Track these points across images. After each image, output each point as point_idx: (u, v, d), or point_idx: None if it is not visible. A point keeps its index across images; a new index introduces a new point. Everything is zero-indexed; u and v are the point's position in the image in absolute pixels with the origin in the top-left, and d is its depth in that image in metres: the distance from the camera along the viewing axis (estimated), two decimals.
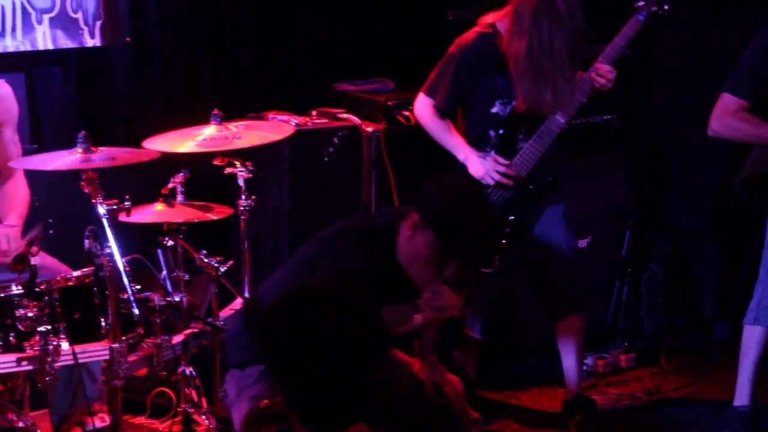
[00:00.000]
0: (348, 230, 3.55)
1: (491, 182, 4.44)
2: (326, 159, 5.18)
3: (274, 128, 4.79)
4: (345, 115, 5.27)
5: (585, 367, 5.03)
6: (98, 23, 5.07)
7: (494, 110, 4.48)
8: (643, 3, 4.49)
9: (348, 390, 2.14)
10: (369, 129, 5.19)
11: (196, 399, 4.39)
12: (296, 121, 5.11)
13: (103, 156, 4.02)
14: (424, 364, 3.61)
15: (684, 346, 5.44)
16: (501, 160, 4.44)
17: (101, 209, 3.88)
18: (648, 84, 5.64)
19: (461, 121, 4.59)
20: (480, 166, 4.45)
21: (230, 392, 3.50)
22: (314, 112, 5.29)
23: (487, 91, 4.45)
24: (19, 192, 4.43)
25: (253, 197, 4.56)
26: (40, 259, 3.85)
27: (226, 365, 3.72)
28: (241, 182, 4.52)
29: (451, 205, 3.44)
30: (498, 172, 4.44)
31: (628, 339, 5.39)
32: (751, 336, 4.38)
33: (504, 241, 4.48)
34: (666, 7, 4.51)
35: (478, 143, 4.52)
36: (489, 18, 4.47)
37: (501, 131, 4.47)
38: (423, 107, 4.58)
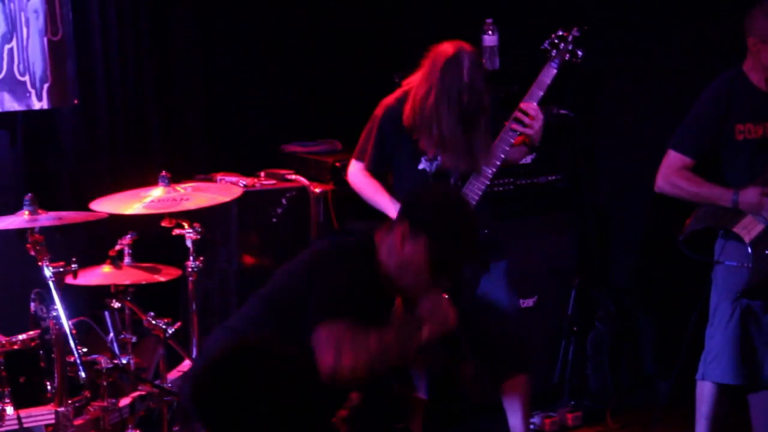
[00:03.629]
0: (323, 260, 3.48)
1: None
2: (274, 220, 5.18)
3: (223, 190, 4.80)
4: (293, 176, 5.28)
5: (532, 426, 5.05)
6: (45, 86, 5.06)
7: (421, 167, 4.49)
8: (555, 52, 4.50)
9: None
10: (317, 190, 5.21)
11: None
12: (244, 182, 5.12)
13: (50, 217, 4.03)
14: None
15: (630, 404, 5.47)
16: None
17: (47, 272, 3.89)
18: (591, 144, 5.72)
19: (393, 180, 4.62)
20: None
21: None
22: (263, 173, 5.30)
23: (411, 149, 4.47)
24: None
25: (201, 258, 4.57)
26: None
27: (172, 429, 3.69)
28: (189, 243, 4.53)
29: (441, 209, 3.44)
30: None
31: (574, 397, 5.42)
32: (701, 392, 4.45)
33: None
34: (580, 54, 4.52)
35: None
36: (414, 79, 4.50)
37: None
38: (354, 171, 4.62)
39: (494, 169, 4.43)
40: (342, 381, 3.11)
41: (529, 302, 5.38)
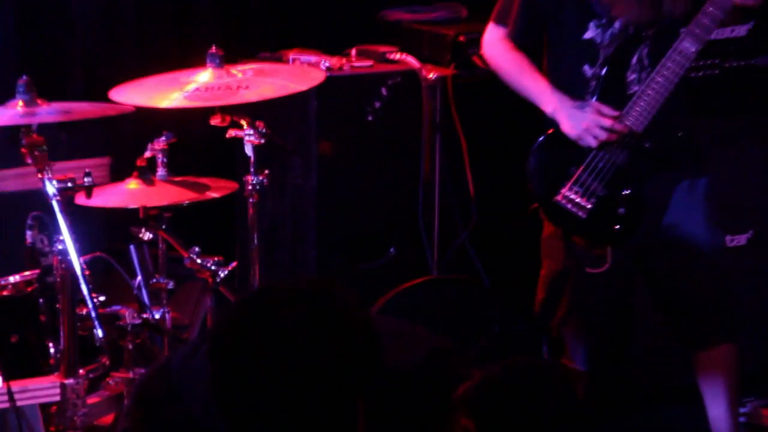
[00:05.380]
0: None
1: (593, 143, 4.42)
2: (370, 118, 5.23)
3: (296, 75, 4.82)
4: (397, 56, 5.31)
5: (742, 419, 5.02)
6: None
7: (588, 35, 4.46)
8: None
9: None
10: (432, 75, 5.23)
11: None
12: (328, 64, 5.16)
13: (53, 110, 4.01)
14: None
15: None
16: (605, 110, 4.41)
17: (50, 187, 3.88)
18: None
19: (545, 56, 4.60)
20: (576, 120, 4.42)
21: None
22: (353, 51, 5.35)
23: (577, 8, 4.45)
24: None
25: (266, 171, 4.57)
26: None
27: None
28: (249, 151, 4.53)
29: None
30: (602, 128, 4.40)
31: None
32: None
33: (617, 227, 4.46)
34: None
35: (570, 86, 4.50)
36: None
37: (601, 67, 4.46)
38: (492, 41, 4.62)
39: (699, 45, 4.34)
40: None
41: (740, 239, 5.37)
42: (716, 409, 4.63)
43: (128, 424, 3.62)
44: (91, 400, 3.90)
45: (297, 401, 2.37)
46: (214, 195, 4.56)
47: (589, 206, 4.41)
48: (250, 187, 4.54)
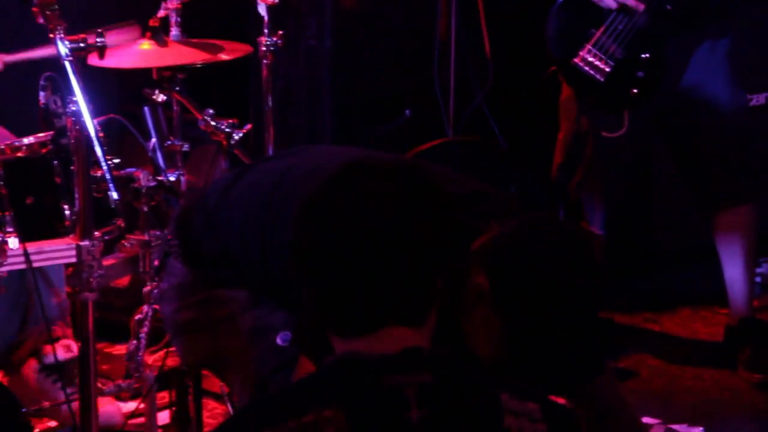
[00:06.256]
0: None
1: (613, 5, 4.43)
2: None
3: None
4: None
5: (758, 279, 5.05)
6: None
7: None
8: None
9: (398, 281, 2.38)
10: None
11: None
12: None
13: None
14: None
15: None
16: None
17: (62, 47, 3.80)
18: None
19: None
20: None
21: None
22: None
23: None
24: None
25: (280, 32, 4.56)
26: None
27: None
28: (262, 10, 4.52)
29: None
30: None
31: None
32: None
33: (635, 91, 4.46)
34: None
35: None
36: None
37: None
38: None
39: None
40: None
41: (761, 98, 5.35)
42: (733, 268, 4.68)
43: (167, 249, 3.62)
44: (107, 261, 3.90)
45: (379, 272, 2.37)
46: (228, 57, 4.52)
47: (607, 69, 4.42)
48: (264, 48, 4.54)
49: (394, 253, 2.37)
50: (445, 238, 2.44)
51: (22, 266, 3.76)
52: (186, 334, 3.41)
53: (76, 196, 3.78)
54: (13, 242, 3.76)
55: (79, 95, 3.80)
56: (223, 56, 4.50)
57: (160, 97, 4.44)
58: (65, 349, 4.15)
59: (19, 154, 3.86)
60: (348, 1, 5.19)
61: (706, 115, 4.56)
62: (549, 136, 4.87)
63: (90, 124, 3.79)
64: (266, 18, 4.52)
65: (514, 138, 5.42)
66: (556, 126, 4.81)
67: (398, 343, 2.35)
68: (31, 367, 4.32)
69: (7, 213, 3.80)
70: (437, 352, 2.38)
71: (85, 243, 3.77)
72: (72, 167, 3.78)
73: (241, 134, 4.40)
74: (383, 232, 2.36)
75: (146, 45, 4.47)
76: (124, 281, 4.57)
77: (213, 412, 4.41)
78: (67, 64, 3.83)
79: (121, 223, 3.95)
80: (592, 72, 4.44)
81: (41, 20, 3.91)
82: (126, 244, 4.04)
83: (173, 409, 4.01)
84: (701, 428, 4.34)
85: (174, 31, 4.53)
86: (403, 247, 2.37)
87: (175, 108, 4.47)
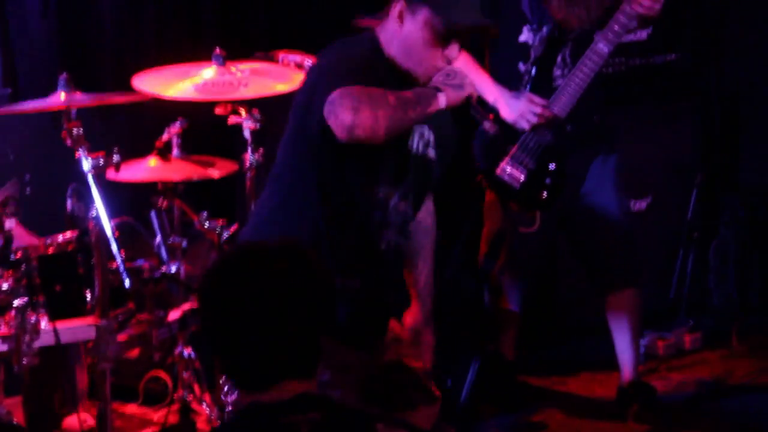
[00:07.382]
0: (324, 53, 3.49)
1: (526, 126, 4.42)
2: None
3: (285, 74, 4.73)
4: None
5: (642, 349, 4.99)
6: None
7: (522, 39, 4.45)
8: None
9: (283, 343, 2.37)
10: None
11: (195, 385, 4.39)
12: (310, 63, 4.95)
13: (88, 98, 4.04)
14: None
15: (760, 323, 5.40)
16: (537, 99, 4.41)
17: (86, 164, 3.89)
18: (721, 17, 5.59)
19: (486, 55, 4.57)
20: (513, 107, 4.42)
21: None
22: None
23: (512, 15, 4.43)
24: None
25: (261, 150, 4.54)
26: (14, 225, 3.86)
27: None
28: (247, 134, 4.49)
29: None
30: (534, 114, 4.40)
31: (693, 316, 5.36)
32: None
33: (545, 194, 4.46)
34: None
35: (507, 80, 4.48)
36: None
37: (533, 65, 4.45)
38: None
39: (610, 47, 4.33)
40: (361, 139, 3.11)
41: (641, 204, 5.36)
42: (622, 340, 4.66)
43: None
44: (121, 337, 3.90)
45: (276, 336, 2.37)
46: (219, 173, 4.52)
47: (522, 178, 4.40)
48: (247, 164, 4.50)
49: (282, 322, 2.36)
50: (326, 305, 2.44)
51: (51, 342, 3.75)
52: None
53: (96, 283, 3.83)
54: (44, 322, 3.77)
55: (98, 202, 3.86)
56: (215, 171, 4.50)
57: (164, 204, 4.46)
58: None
59: (50, 251, 3.89)
60: None
61: (599, 216, 4.56)
62: (476, 232, 4.83)
63: (107, 226, 3.85)
64: (249, 139, 4.48)
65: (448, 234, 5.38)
66: (482, 224, 4.78)
67: (293, 393, 2.36)
68: None
69: (39, 298, 3.81)
70: (324, 396, 2.40)
71: (103, 322, 3.82)
72: (92, 260, 3.85)
73: (229, 232, 4.40)
74: (272, 306, 2.36)
75: (153, 162, 4.49)
76: (134, 353, 4.55)
77: None
78: (90, 177, 3.91)
79: (132, 305, 3.96)
80: (510, 180, 4.40)
81: (69, 141, 3.98)
82: (136, 322, 4.02)
83: None
84: None
85: (175, 151, 4.54)
86: (290, 317, 2.37)
87: (176, 211, 4.47)
